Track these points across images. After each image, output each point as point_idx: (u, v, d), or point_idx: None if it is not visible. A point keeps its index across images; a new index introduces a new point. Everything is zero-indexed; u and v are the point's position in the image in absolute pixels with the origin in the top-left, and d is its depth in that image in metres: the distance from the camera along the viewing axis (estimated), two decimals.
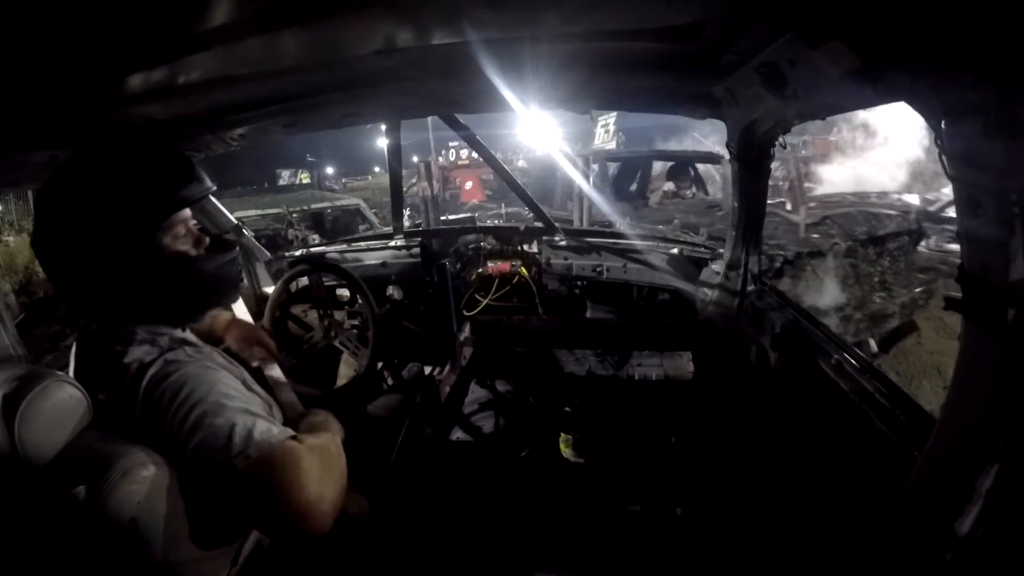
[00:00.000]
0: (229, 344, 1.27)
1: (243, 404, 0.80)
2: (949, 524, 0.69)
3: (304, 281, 2.14)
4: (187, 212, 0.91)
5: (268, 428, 0.77)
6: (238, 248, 1.00)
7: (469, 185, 11.71)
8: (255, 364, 1.25)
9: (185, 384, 0.78)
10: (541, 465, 1.93)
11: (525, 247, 2.26)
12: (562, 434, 2.07)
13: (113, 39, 0.79)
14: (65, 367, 0.91)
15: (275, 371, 1.24)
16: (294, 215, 6.13)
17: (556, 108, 1.67)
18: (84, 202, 0.82)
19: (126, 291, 0.85)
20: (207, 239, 0.94)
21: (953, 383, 0.73)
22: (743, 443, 1.64)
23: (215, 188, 0.95)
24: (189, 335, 0.94)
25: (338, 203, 6.96)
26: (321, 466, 0.77)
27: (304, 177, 15.91)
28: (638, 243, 2.20)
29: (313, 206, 6.65)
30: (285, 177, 15.90)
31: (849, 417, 1.13)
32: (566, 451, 2.04)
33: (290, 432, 0.80)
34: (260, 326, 1.45)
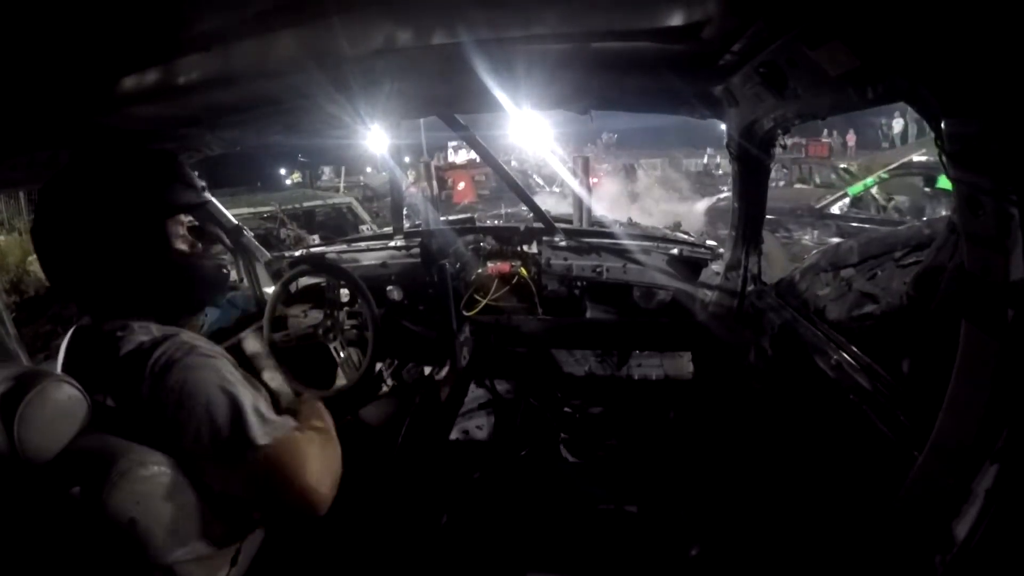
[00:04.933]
0: None
1: (249, 393, 0.84)
2: (948, 524, 0.69)
3: (304, 281, 2.13)
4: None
5: (275, 417, 0.84)
6: (224, 250, 1.06)
7: (462, 186, 11.77)
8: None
9: (192, 371, 0.80)
10: (541, 465, 1.93)
11: (525, 247, 2.26)
12: (562, 434, 2.07)
13: (112, 40, 0.79)
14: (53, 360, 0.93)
15: (267, 361, 1.25)
16: (285, 213, 6.13)
17: (555, 108, 1.67)
18: (96, 198, 0.87)
19: (129, 284, 0.89)
20: (198, 243, 1.00)
21: (953, 383, 0.73)
22: (743, 443, 1.64)
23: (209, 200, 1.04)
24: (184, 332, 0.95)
25: (330, 201, 6.98)
26: (321, 452, 0.86)
27: (296, 177, 15.94)
28: (638, 243, 2.20)
29: (305, 204, 6.66)
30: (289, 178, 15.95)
31: (848, 417, 1.13)
32: (566, 451, 2.04)
33: (292, 421, 0.87)
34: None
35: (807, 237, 5.86)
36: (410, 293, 2.31)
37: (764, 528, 1.36)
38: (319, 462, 0.83)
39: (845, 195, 6.35)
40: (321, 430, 0.93)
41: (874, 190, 6.34)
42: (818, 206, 6.28)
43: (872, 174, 6.89)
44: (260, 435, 0.79)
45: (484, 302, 2.19)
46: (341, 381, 1.94)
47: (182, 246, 0.94)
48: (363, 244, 2.49)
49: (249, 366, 1.75)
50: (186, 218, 0.98)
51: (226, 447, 0.78)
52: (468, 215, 3.41)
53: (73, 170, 0.89)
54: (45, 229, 0.88)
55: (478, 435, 2.15)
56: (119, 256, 0.87)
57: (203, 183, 1.01)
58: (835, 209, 6.14)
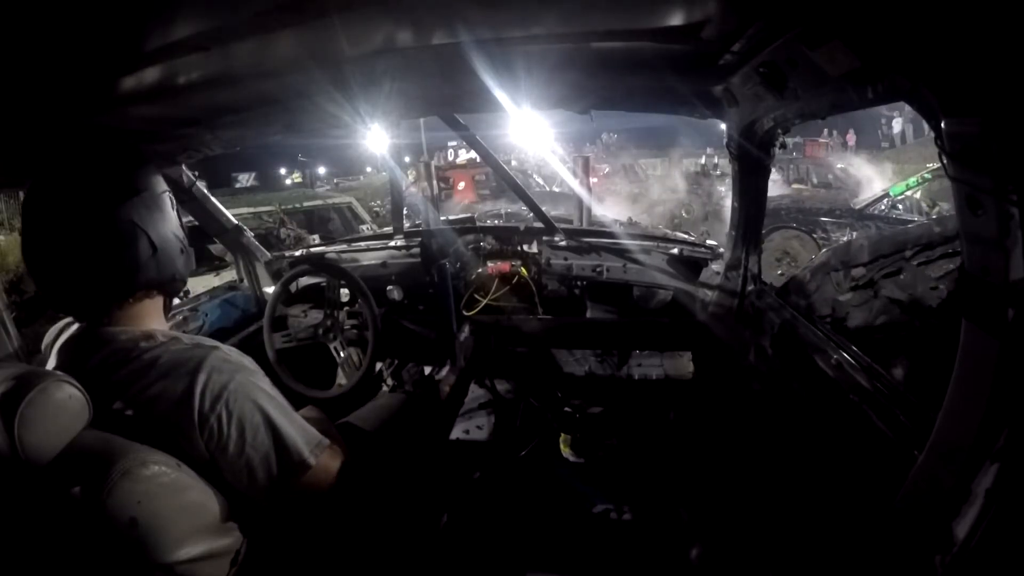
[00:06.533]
0: None
1: (290, 407, 0.89)
2: (948, 524, 0.69)
3: (304, 281, 2.13)
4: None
5: (313, 431, 0.90)
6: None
7: (462, 185, 11.75)
8: None
9: (243, 395, 0.83)
10: (541, 465, 1.94)
11: (525, 247, 2.26)
12: (562, 434, 2.07)
13: (112, 39, 0.79)
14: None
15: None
16: (285, 213, 6.14)
17: (554, 108, 1.67)
18: (85, 190, 0.84)
19: (134, 271, 0.87)
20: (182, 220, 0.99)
21: (953, 383, 0.73)
22: (743, 443, 1.64)
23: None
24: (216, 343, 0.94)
25: (330, 201, 7.00)
26: (342, 464, 0.94)
27: (296, 177, 15.85)
28: (638, 243, 2.20)
29: (305, 204, 6.69)
30: (243, 181, 15.68)
31: (848, 417, 1.13)
32: (566, 451, 2.04)
33: (321, 435, 0.92)
34: None
35: (845, 238, 5.78)
36: (410, 293, 2.31)
37: (764, 528, 1.36)
38: (345, 474, 0.93)
39: (886, 195, 6.28)
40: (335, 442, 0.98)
41: (918, 194, 6.25)
42: (858, 207, 6.19)
43: (874, 173, 6.87)
44: (308, 456, 0.86)
45: (484, 302, 2.19)
46: (341, 381, 1.94)
47: (179, 228, 0.93)
48: (363, 244, 2.49)
49: (269, 368, 1.75)
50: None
51: (282, 472, 0.84)
52: (468, 215, 3.41)
53: (56, 172, 0.86)
54: (36, 235, 0.85)
55: (478, 435, 2.15)
56: (119, 244, 0.85)
57: (195, 173, 1.00)
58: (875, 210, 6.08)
